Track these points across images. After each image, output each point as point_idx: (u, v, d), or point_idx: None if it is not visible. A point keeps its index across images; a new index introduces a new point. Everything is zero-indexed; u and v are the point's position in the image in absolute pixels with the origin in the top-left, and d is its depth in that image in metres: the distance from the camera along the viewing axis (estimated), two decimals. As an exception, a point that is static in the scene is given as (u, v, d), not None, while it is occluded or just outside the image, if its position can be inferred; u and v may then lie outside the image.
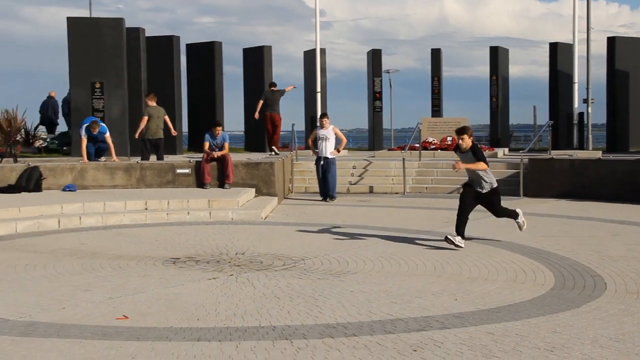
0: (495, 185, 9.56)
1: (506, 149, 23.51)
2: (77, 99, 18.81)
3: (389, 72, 30.65)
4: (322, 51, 24.75)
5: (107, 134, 15.68)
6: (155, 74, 21.81)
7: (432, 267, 8.10)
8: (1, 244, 9.72)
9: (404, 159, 16.90)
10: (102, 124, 15.94)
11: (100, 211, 12.16)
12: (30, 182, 13.95)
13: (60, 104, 22.73)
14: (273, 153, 19.21)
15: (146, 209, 12.47)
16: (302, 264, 8.29)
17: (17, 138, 21.22)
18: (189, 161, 15.30)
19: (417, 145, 19.79)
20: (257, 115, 19.76)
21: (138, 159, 16.27)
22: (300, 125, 26.06)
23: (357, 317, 5.91)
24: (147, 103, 16.82)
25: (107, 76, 18.69)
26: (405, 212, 13.43)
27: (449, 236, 9.13)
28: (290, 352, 4.92)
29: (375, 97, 27.05)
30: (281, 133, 21.32)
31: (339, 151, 15.42)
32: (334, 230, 10.94)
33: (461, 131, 9.48)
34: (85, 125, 15.64)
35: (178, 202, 12.75)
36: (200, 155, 15.73)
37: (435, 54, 29.20)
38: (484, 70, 33.44)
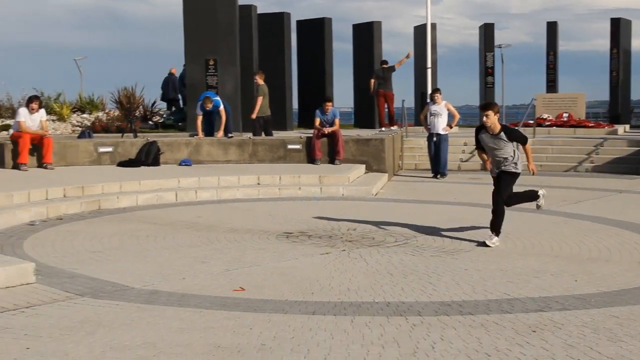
0: (515, 170, 8.11)
1: (627, 126, 22.49)
2: (192, 76, 19.29)
3: (500, 47, 29.81)
4: (433, 26, 24.36)
5: (222, 107, 15.91)
6: (266, 50, 22.09)
7: (548, 246, 7.87)
8: (124, 216, 10.14)
9: (517, 136, 16.43)
10: (216, 98, 16.15)
11: (215, 185, 12.47)
12: (149, 157, 14.47)
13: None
14: (392, 128, 19.13)
15: (259, 183, 12.70)
16: (414, 241, 8.23)
17: (136, 114, 22.08)
18: (300, 137, 15.45)
19: (531, 121, 19.22)
20: (372, 92, 19.74)
21: (250, 134, 16.56)
22: (410, 102, 25.83)
23: (473, 295, 5.81)
24: (257, 81, 17.00)
25: (220, 53, 19.05)
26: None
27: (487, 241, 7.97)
28: (406, 329, 4.89)
29: (487, 72, 26.45)
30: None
31: (451, 127, 15.18)
32: (445, 207, 10.79)
33: (485, 106, 8.10)
34: (199, 102, 16.04)
35: (290, 178, 12.91)
36: (311, 131, 15.85)
37: (551, 28, 28.17)
38: (603, 43, 31.95)
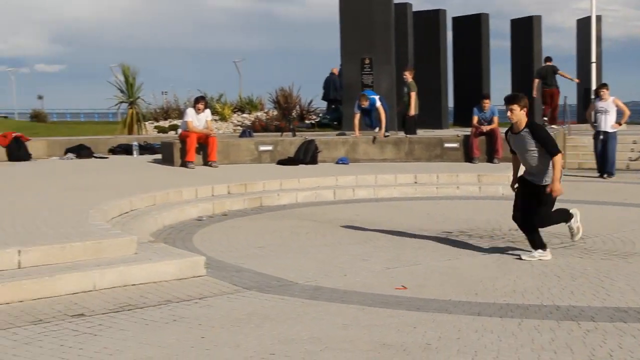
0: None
1: None
2: (347, 75, 19.51)
3: (673, 38, 27.88)
4: (598, 18, 23.22)
5: (379, 104, 15.87)
6: (422, 48, 21.94)
7: None
8: (284, 213, 10.40)
9: (694, 133, 15.34)
10: (372, 96, 16.13)
11: (372, 184, 12.52)
12: (307, 155, 14.75)
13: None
14: (553, 127, 18.45)
15: (416, 182, 12.62)
16: (582, 242, 7.83)
17: (293, 114, 22.64)
18: (457, 135, 15.20)
19: None
20: (535, 93, 19.11)
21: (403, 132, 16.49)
22: (573, 99, 24.75)
23: (651, 302, 5.45)
24: (407, 77, 16.79)
25: (375, 52, 19.13)
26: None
27: (523, 257, 7.03)
28: (578, 334, 4.66)
29: (658, 65, 24.82)
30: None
31: (620, 124, 14.39)
32: (614, 208, 10.23)
33: (510, 99, 6.86)
34: (356, 101, 16.14)
35: (447, 176, 12.74)
36: (468, 129, 15.56)
37: None
38: None
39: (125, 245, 6.45)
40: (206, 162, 14.10)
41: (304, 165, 14.46)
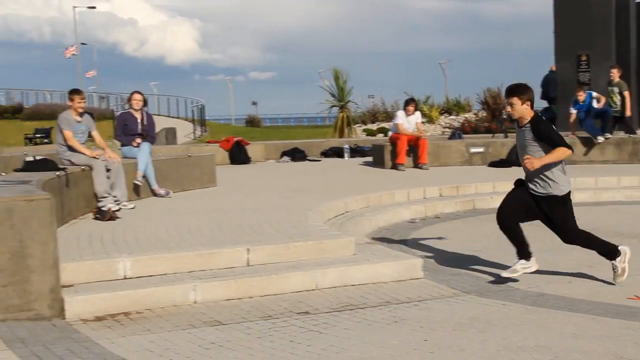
0: (560, 192, 6.04)
1: None
2: (562, 73, 18.66)
3: None
4: None
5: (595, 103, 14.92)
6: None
7: None
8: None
9: None
10: (590, 91, 15.23)
11: (592, 186, 11.85)
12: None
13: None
14: None
15: (642, 185, 11.78)
16: None
17: (503, 114, 22.04)
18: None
19: None
20: None
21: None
22: None
23: None
24: (615, 76, 15.44)
25: (593, 48, 18.12)
26: None
27: (503, 274, 6.08)
28: None
29: None
30: None
31: None
32: None
33: (509, 92, 5.96)
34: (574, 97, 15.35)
35: (679, 179, 11.77)
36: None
37: None
38: None
39: (344, 246, 6.60)
40: (416, 164, 14.10)
41: (516, 167, 13.96)
